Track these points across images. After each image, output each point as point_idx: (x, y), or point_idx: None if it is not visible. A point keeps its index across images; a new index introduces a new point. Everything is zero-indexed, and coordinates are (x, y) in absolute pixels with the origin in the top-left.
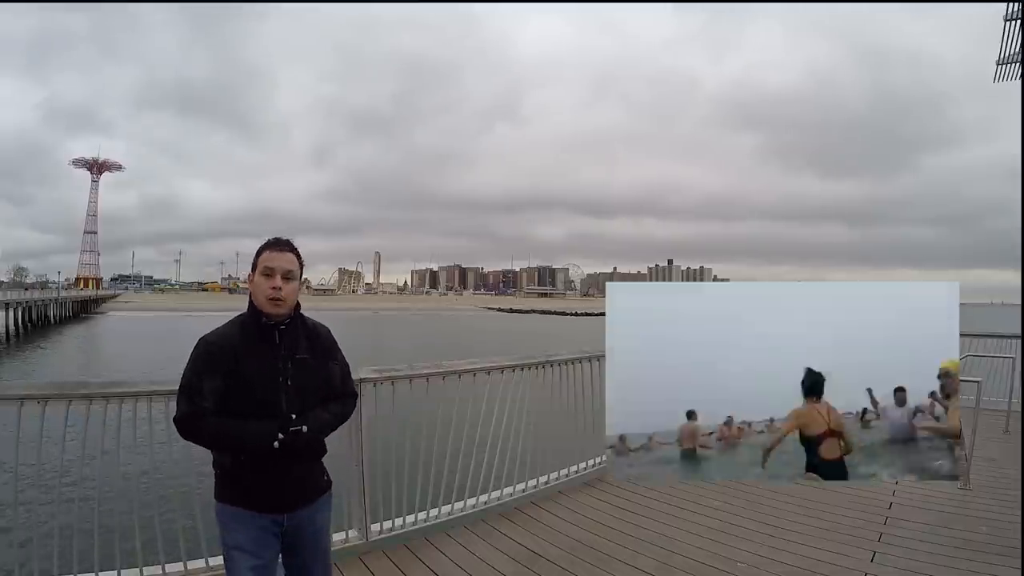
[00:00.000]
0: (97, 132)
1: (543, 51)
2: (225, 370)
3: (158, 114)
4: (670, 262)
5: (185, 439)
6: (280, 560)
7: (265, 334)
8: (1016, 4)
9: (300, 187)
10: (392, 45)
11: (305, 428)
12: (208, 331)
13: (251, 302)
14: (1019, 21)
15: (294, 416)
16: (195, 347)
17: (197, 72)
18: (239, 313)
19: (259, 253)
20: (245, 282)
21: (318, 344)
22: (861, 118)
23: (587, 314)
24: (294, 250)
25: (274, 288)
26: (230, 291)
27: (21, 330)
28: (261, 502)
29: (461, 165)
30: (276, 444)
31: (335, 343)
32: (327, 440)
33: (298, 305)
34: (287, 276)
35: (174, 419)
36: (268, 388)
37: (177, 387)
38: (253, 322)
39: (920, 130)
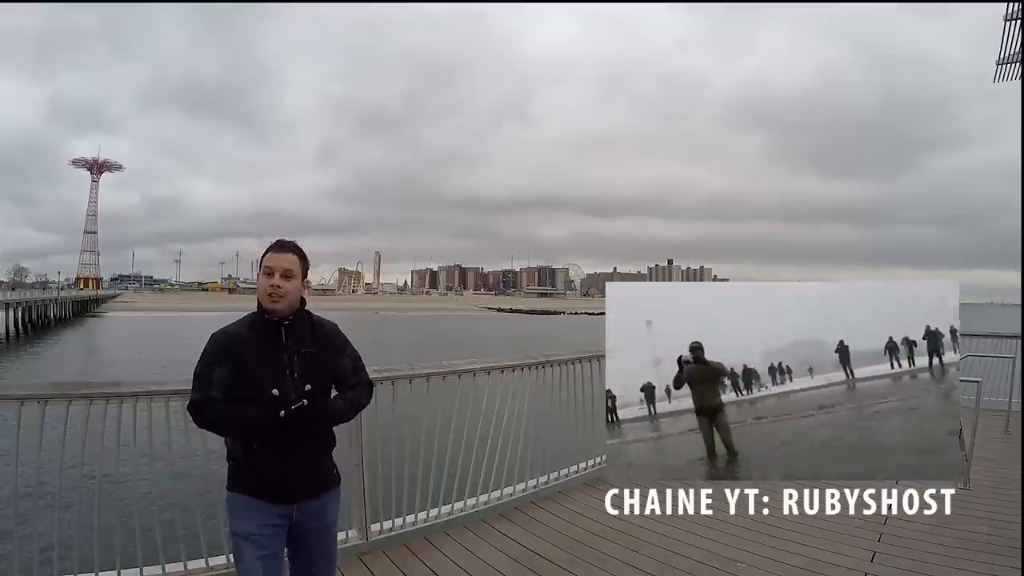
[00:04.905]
0: (102, 131)
1: (553, 51)
2: (233, 361)
3: (164, 113)
4: (670, 262)
5: (198, 426)
6: (286, 555)
7: (271, 330)
8: (1016, 4)
9: (305, 187)
10: (403, 44)
11: (305, 401)
12: (215, 329)
13: (258, 300)
14: (1019, 21)
15: (294, 395)
16: (208, 341)
17: (206, 71)
18: (247, 312)
19: (264, 255)
20: (244, 282)
21: (324, 339)
22: (868, 120)
23: (587, 313)
24: (295, 250)
25: (272, 286)
26: (230, 291)
27: (21, 330)
28: (272, 491)
29: (467, 165)
30: (282, 414)
31: (343, 337)
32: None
33: (304, 302)
34: (286, 275)
35: (187, 406)
36: (273, 378)
37: (177, 387)
38: (260, 319)
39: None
